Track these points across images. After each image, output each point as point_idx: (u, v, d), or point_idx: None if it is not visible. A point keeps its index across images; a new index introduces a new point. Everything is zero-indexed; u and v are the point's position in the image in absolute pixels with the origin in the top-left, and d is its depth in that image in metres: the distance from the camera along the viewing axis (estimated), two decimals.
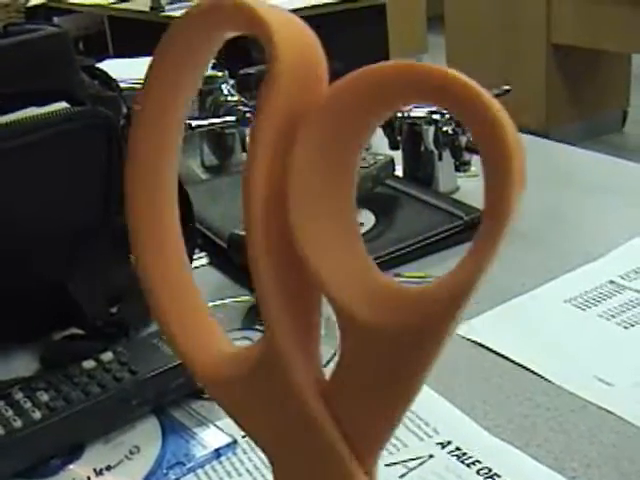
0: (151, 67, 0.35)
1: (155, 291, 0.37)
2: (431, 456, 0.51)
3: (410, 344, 0.31)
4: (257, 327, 0.67)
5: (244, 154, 1.09)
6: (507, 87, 0.93)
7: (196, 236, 0.75)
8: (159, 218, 0.37)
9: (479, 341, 0.63)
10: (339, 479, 0.35)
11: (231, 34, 0.34)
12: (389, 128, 0.93)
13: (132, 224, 0.37)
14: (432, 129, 0.89)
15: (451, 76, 0.28)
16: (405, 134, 0.92)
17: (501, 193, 0.27)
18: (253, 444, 0.53)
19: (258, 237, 0.32)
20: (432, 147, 0.90)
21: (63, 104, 0.64)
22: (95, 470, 0.53)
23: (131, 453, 0.54)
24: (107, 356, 0.58)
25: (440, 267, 0.74)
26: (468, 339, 0.63)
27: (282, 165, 0.31)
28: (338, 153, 0.32)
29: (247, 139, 1.09)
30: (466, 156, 0.90)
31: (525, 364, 0.60)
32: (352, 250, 0.33)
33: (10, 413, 0.53)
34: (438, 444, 0.52)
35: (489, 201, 0.28)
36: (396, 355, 0.32)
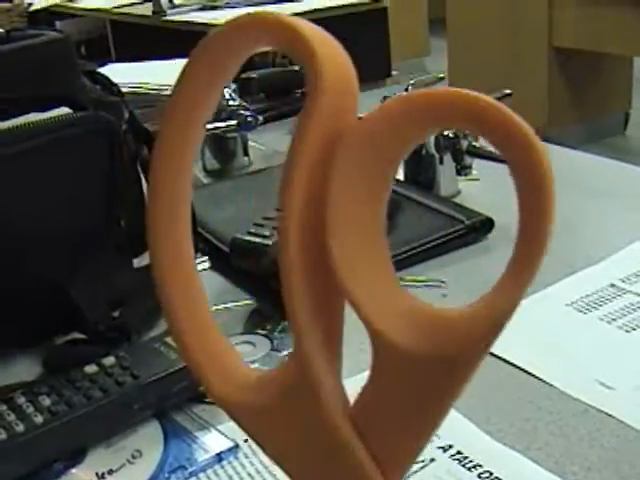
0: (183, 72, 0.34)
1: (170, 295, 0.36)
2: (432, 460, 0.51)
3: (444, 370, 0.32)
4: (258, 331, 0.67)
5: (245, 158, 1.09)
6: (508, 91, 0.93)
7: (197, 240, 0.75)
8: (177, 222, 0.36)
9: None
10: None
11: (264, 48, 0.34)
12: None
13: (151, 227, 0.36)
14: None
15: (483, 103, 0.28)
16: None
17: (538, 220, 0.28)
18: (255, 448, 0.53)
19: (295, 257, 0.31)
20: (433, 151, 0.90)
21: (65, 109, 0.64)
22: (97, 474, 0.53)
23: (133, 457, 0.54)
24: (109, 360, 0.58)
25: (442, 271, 0.74)
26: None
27: (321, 182, 0.31)
28: (373, 176, 0.32)
29: (249, 143, 1.09)
30: (467, 160, 0.90)
31: (526, 368, 0.60)
32: (385, 273, 0.33)
33: (12, 417, 0.53)
34: (439, 448, 0.52)
35: (525, 226, 0.28)
36: (429, 380, 0.32)
